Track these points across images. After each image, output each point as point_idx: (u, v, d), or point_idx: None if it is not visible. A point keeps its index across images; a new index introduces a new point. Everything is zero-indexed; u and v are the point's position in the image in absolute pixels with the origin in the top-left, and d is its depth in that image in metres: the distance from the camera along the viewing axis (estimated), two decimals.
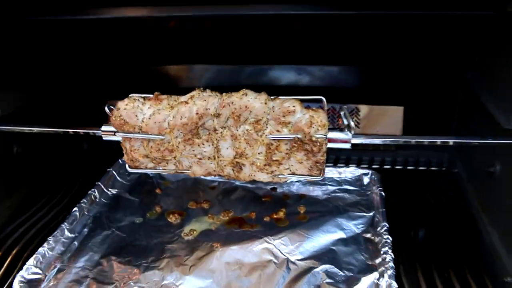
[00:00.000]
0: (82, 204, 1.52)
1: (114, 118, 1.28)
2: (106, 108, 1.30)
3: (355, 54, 1.81)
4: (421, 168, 1.81)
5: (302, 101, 1.23)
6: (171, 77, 2.09)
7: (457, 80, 1.74)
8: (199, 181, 1.69)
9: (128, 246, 1.39)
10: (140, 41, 1.95)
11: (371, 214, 1.46)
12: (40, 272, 1.28)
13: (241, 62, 2.01)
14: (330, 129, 1.21)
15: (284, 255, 1.31)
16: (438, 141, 1.27)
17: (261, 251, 1.33)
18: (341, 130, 1.23)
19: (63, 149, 1.82)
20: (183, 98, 1.26)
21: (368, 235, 1.37)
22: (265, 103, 1.21)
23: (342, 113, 1.22)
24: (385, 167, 1.80)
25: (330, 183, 1.64)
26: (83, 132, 1.38)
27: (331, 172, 1.67)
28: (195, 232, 1.43)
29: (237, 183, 1.66)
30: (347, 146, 1.23)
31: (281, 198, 1.58)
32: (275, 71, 2.01)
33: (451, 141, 1.29)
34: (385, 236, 1.31)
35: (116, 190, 1.66)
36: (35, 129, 1.40)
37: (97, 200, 1.59)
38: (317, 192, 1.60)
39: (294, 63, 1.99)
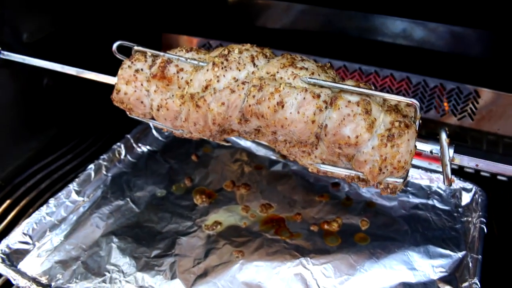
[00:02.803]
0: (101, 161, 1.28)
1: (116, 103, 1.01)
2: (115, 48, 0.98)
3: (489, 12, 1.27)
4: None
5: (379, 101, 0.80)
6: (247, 13, 1.71)
7: None
8: (246, 154, 1.35)
9: (137, 226, 1.14)
10: None
11: (459, 255, 1.03)
12: (30, 241, 1.08)
13: (336, 4, 1.56)
14: (420, 137, 0.78)
15: None
16: None
17: (292, 277, 1.00)
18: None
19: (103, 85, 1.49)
20: (196, 83, 0.89)
21: None
22: (312, 121, 0.78)
23: (442, 139, 0.73)
24: (500, 178, 1.29)
25: (413, 191, 1.20)
26: (97, 79, 1.08)
27: (418, 176, 1.22)
28: (219, 226, 1.13)
29: (292, 166, 1.30)
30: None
31: (341, 200, 1.19)
32: (379, 21, 1.58)
33: None
34: None
35: (147, 147, 1.38)
36: (43, 64, 1.12)
37: (121, 157, 1.33)
38: (392, 202, 1.18)
39: (406, 16, 1.53)
